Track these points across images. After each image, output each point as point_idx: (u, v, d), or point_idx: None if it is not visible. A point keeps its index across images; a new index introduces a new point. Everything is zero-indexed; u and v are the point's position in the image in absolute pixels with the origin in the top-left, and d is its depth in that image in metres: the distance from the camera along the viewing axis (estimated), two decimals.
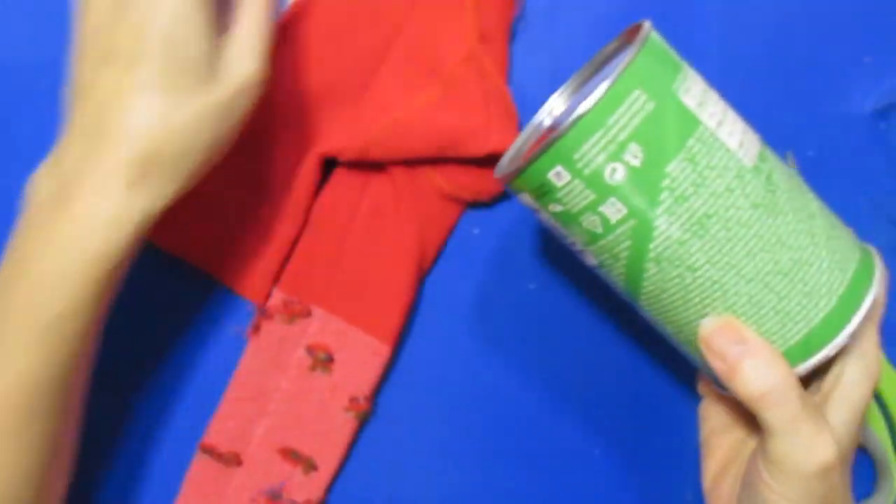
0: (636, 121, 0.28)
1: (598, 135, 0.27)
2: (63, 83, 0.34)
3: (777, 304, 0.29)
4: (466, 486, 0.43)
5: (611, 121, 0.27)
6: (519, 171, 0.29)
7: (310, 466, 0.40)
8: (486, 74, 0.39)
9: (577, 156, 0.28)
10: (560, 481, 0.44)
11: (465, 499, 0.43)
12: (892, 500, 0.44)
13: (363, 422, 0.41)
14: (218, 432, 0.41)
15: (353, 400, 0.40)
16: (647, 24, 0.30)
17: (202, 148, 0.32)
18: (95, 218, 0.30)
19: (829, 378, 0.32)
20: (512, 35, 0.43)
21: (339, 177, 0.41)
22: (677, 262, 0.29)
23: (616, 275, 0.31)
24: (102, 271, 0.31)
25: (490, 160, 0.38)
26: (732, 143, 0.30)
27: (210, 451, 0.41)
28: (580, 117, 0.27)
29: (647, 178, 0.28)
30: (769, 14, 0.44)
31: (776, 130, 0.44)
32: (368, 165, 0.41)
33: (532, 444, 0.43)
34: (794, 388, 0.29)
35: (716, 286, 0.29)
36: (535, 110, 0.44)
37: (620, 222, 0.29)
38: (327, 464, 0.41)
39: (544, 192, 0.29)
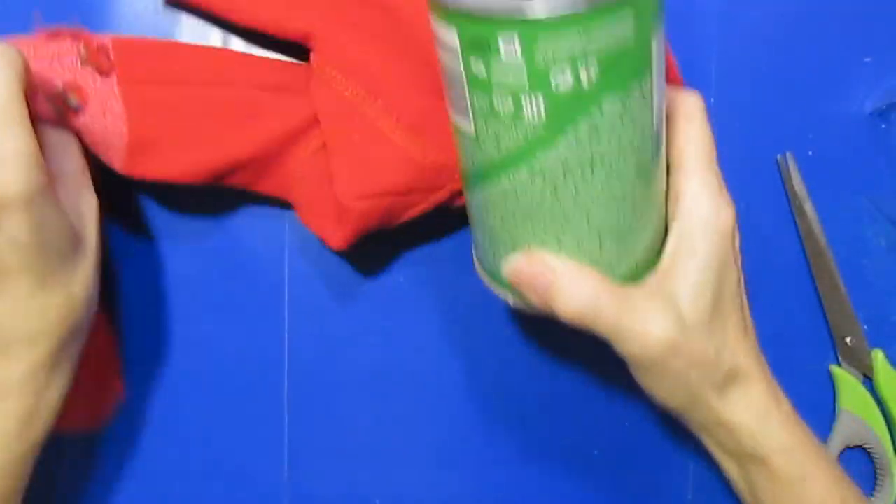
0: (611, 42, 0.26)
1: (575, 36, 0.26)
2: None
3: (599, 256, 0.30)
4: (465, 485, 0.43)
5: (594, 29, 0.26)
6: (466, 11, 0.26)
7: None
8: None
9: (541, 41, 0.26)
10: (560, 481, 0.44)
11: (464, 499, 0.43)
12: (893, 501, 0.44)
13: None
14: None
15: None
16: None
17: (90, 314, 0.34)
18: None
19: (668, 247, 0.32)
20: None
21: None
22: (549, 182, 0.29)
23: (482, 154, 0.30)
24: None
25: None
26: (656, 105, 0.29)
27: None
28: (570, 14, 0.25)
29: (581, 98, 0.27)
30: (769, 14, 0.44)
31: (776, 130, 0.44)
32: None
33: (531, 444, 0.43)
34: (605, 293, 0.29)
35: (562, 218, 0.29)
36: None
37: (529, 120, 0.27)
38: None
39: (478, 46, 0.27)
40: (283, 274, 0.43)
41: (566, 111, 0.27)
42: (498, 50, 0.26)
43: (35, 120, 0.31)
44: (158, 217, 0.43)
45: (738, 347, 0.32)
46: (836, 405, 0.44)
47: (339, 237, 0.39)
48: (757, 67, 0.44)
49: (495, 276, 0.33)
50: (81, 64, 0.35)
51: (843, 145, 0.44)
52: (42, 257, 0.30)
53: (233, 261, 0.42)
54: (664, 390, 0.32)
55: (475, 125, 0.29)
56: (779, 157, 0.44)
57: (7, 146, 0.28)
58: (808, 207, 0.44)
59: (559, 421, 0.43)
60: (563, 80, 0.26)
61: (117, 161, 0.37)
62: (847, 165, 0.44)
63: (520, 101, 0.27)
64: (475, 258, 0.36)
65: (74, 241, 0.32)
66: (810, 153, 0.44)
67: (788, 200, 0.44)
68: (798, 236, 0.44)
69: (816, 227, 0.44)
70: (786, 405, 0.34)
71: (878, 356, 0.44)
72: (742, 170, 0.44)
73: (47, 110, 0.34)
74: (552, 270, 0.30)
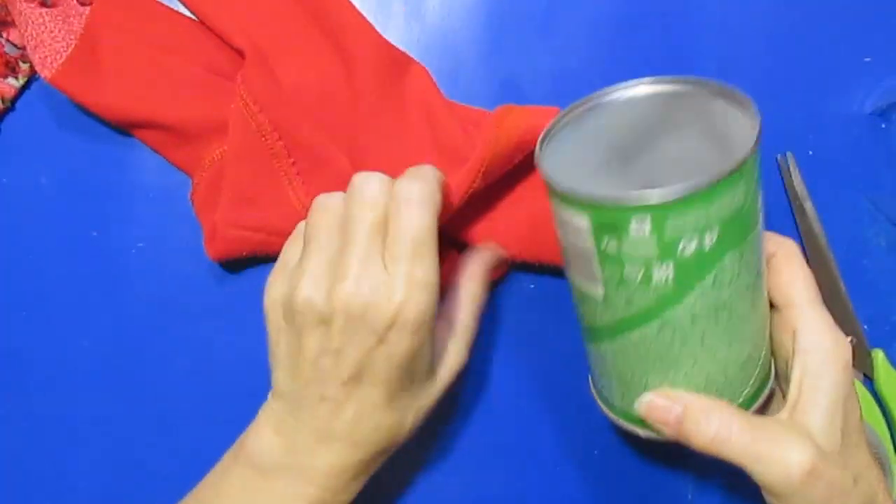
0: (729, 207, 0.28)
1: (699, 211, 0.28)
2: None
3: (724, 385, 0.32)
4: (465, 485, 0.43)
5: (715, 201, 0.28)
6: (600, 201, 0.28)
7: None
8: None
9: (670, 220, 0.28)
10: (560, 481, 0.44)
11: (463, 499, 0.43)
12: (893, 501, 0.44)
13: None
14: None
15: None
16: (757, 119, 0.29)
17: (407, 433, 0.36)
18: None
19: (793, 382, 0.33)
20: (512, 36, 0.44)
21: None
22: (678, 332, 0.31)
23: (611, 313, 0.31)
24: None
25: None
26: (761, 248, 0.32)
27: None
28: (694, 192, 0.27)
29: (707, 259, 0.29)
30: (769, 14, 0.44)
31: (776, 130, 0.44)
32: None
33: (531, 444, 0.43)
34: (736, 422, 0.31)
35: (691, 359, 0.31)
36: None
37: (659, 284, 0.29)
38: None
39: (610, 228, 0.29)
40: None
41: (693, 271, 0.29)
42: (629, 230, 0.28)
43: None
44: (158, 217, 0.43)
45: (872, 475, 0.32)
46: None
47: (211, 251, 0.40)
48: (757, 67, 0.44)
49: (625, 413, 0.35)
50: None
51: (843, 145, 0.44)
52: (402, 380, 0.33)
53: (233, 260, 0.42)
54: None
55: (605, 290, 0.31)
56: (779, 157, 0.44)
57: (419, 274, 0.31)
58: (808, 207, 0.44)
59: (560, 421, 0.43)
60: (689, 247, 0.28)
61: (49, 66, 0.38)
62: (847, 165, 0.44)
63: (650, 269, 0.29)
64: (596, 395, 0.37)
65: (430, 374, 0.35)
66: (810, 153, 0.44)
67: (788, 200, 0.44)
68: (798, 236, 0.44)
69: (816, 227, 0.44)
70: None
71: (878, 356, 0.44)
72: None
73: None
74: (683, 404, 0.32)
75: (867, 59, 0.45)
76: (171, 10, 0.41)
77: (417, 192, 0.32)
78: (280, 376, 0.35)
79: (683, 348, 0.31)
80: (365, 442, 0.34)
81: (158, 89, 0.40)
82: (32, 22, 0.38)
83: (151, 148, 0.42)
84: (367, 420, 0.34)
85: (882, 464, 0.44)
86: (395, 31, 0.43)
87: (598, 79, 0.44)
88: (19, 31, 0.39)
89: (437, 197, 0.33)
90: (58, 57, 0.38)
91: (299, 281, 0.32)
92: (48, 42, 0.38)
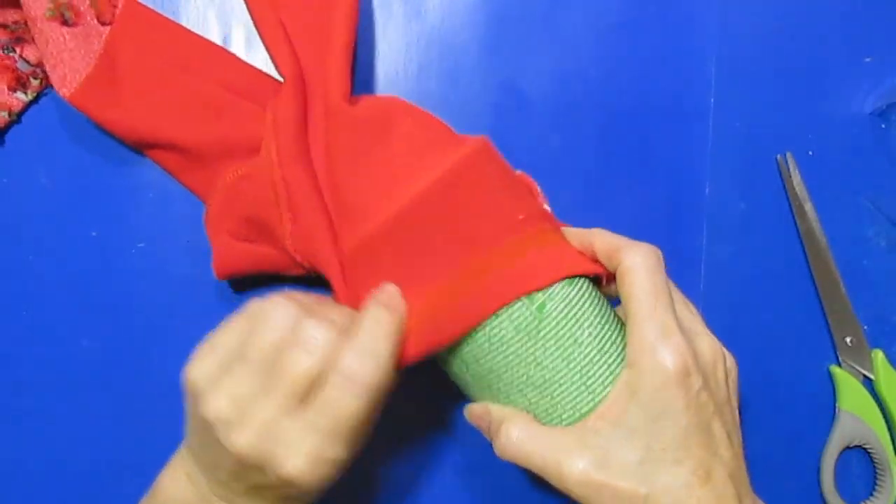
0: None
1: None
2: None
3: (528, 406, 0.34)
4: (463, 486, 0.43)
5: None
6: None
7: None
8: None
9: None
10: None
11: (463, 498, 0.43)
12: (893, 501, 0.44)
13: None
14: None
15: None
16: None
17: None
18: None
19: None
20: (512, 36, 0.44)
21: None
22: (482, 371, 0.35)
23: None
24: None
25: None
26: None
27: None
28: None
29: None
30: (769, 14, 0.44)
31: (776, 130, 0.44)
32: None
33: None
34: (533, 435, 0.32)
35: (494, 386, 0.35)
36: (534, 111, 0.44)
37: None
38: None
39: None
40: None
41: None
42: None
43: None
44: (159, 217, 0.43)
45: (689, 495, 0.31)
46: (836, 405, 0.44)
47: (216, 267, 0.40)
48: (757, 67, 0.44)
49: None
50: (90, 4, 0.38)
51: (843, 145, 0.44)
52: (332, 438, 0.31)
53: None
54: None
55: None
56: (779, 157, 0.44)
57: (328, 453, 0.31)
58: (808, 207, 0.44)
59: None
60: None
61: (68, 85, 0.38)
62: (847, 165, 0.44)
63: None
64: None
65: (357, 444, 0.33)
66: (810, 153, 0.44)
67: (788, 200, 0.44)
68: (798, 236, 0.44)
69: (816, 227, 0.44)
70: None
71: (878, 356, 0.44)
72: (742, 170, 0.44)
73: (40, 7, 0.37)
74: (491, 417, 0.34)
75: (867, 59, 0.45)
76: (190, 31, 0.41)
77: (362, 374, 0.31)
78: (189, 436, 0.34)
79: (490, 381, 0.35)
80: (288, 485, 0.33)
81: (175, 110, 0.39)
82: (53, 40, 0.38)
83: (165, 170, 0.42)
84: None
85: (882, 464, 0.44)
86: (395, 31, 0.43)
87: (598, 79, 0.44)
88: (39, 48, 0.39)
89: (384, 370, 0.32)
90: (77, 76, 0.38)
91: (215, 392, 0.31)
92: (67, 60, 0.38)
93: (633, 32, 0.44)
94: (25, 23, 0.39)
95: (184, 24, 0.42)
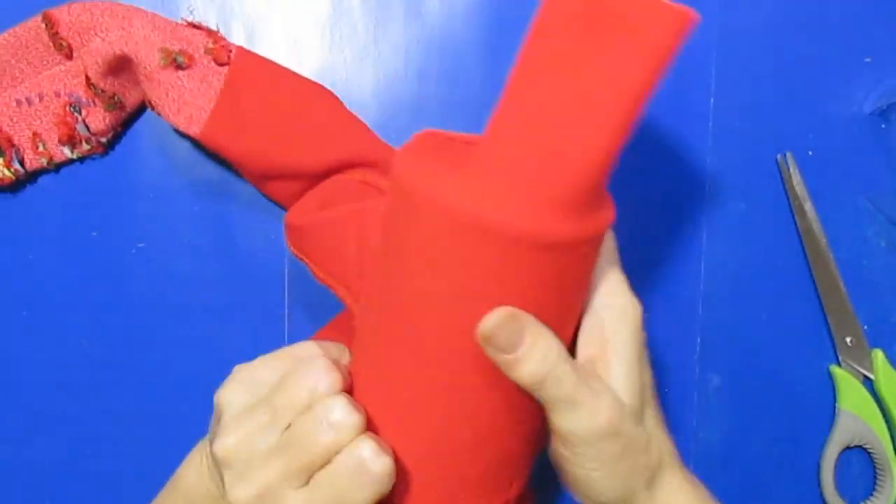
0: None
1: None
2: None
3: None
4: None
5: None
6: None
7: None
8: None
9: None
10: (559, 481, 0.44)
11: None
12: (893, 501, 0.44)
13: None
14: None
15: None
16: None
17: None
18: None
19: (586, 340, 0.31)
20: (512, 36, 0.44)
21: None
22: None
23: None
24: None
25: None
26: None
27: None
28: None
29: None
30: (769, 14, 0.44)
31: (776, 130, 0.44)
32: None
33: None
34: (567, 363, 0.29)
35: None
36: None
37: None
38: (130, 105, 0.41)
39: None
40: (283, 274, 0.43)
41: None
42: None
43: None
44: (159, 217, 0.43)
45: (661, 438, 0.32)
46: (836, 405, 0.44)
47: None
48: (757, 67, 0.44)
49: None
50: (204, 52, 0.40)
51: (843, 145, 0.44)
52: (246, 462, 0.30)
53: (233, 261, 0.42)
54: (598, 478, 0.31)
55: None
56: (779, 157, 0.44)
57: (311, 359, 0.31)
58: (808, 207, 0.44)
59: None
60: None
61: (197, 123, 0.39)
62: (847, 165, 0.44)
63: None
64: None
65: None
66: (810, 153, 0.44)
67: (788, 200, 0.44)
68: (798, 236, 0.44)
69: (816, 227, 0.44)
70: (703, 491, 0.33)
71: (878, 356, 0.44)
72: (742, 170, 0.44)
73: (153, 58, 0.39)
74: (532, 333, 0.29)
75: (867, 59, 0.45)
76: (297, 74, 0.42)
77: (375, 468, 0.29)
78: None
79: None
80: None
81: (296, 139, 0.40)
82: (172, 87, 0.39)
83: (280, 204, 0.42)
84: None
85: (882, 464, 0.44)
86: (395, 31, 0.43)
87: None
88: (154, 101, 0.40)
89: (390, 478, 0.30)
90: (202, 113, 0.39)
91: (234, 429, 0.31)
92: (190, 101, 0.39)
93: None
94: (104, 91, 0.40)
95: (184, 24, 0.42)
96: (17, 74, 0.41)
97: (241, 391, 0.32)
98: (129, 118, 0.42)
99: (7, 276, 0.43)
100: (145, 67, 0.39)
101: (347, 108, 0.42)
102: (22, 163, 0.41)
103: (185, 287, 0.43)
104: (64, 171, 0.42)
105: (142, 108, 0.43)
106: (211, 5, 0.43)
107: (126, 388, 0.43)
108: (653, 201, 0.44)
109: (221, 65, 0.40)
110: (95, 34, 0.40)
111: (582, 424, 0.29)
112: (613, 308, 0.31)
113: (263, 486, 0.30)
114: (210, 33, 0.41)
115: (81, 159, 0.42)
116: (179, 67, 0.39)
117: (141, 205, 0.43)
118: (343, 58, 0.43)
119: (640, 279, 0.44)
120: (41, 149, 0.41)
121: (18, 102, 0.41)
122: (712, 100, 0.44)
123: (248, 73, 0.41)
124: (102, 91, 0.40)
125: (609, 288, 0.31)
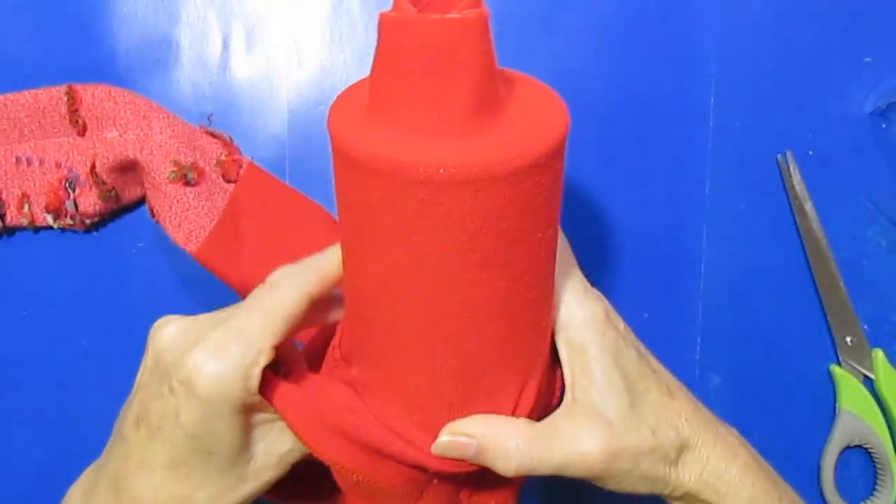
0: None
1: None
2: None
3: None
4: None
5: None
6: None
7: None
8: None
9: None
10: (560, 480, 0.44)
11: None
12: (893, 501, 0.44)
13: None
14: None
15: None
16: None
17: None
18: None
19: (564, 362, 0.32)
20: (512, 36, 0.44)
21: None
22: None
23: None
24: None
25: None
26: None
27: None
28: None
29: None
30: (769, 14, 0.44)
31: (776, 130, 0.44)
32: None
33: None
34: (530, 439, 0.30)
35: None
36: None
37: None
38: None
39: None
40: None
41: None
42: None
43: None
44: None
45: (672, 416, 0.32)
46: (836, 405, 0.44)
47: None
48: (757, 67, 0.44)
49: None
50: (216, 164, 0.40)
51: (843, 145, 0.44)
52: (193, 451, 0.30)
53: None
54: (629, 487, 0.32)
55: None
56: (779, 157, 0.44)
57: (255, 332, 0.30)
58: (808, 207, 0.44)
59: None
60: None
61: (195, 241, 0.40)
62: (847, 165, 0.44)
63: None
64: None
65: (232, 466, 0.31)
66: (810, 153, 0.44)
67: (788, 200, 0.44)
68: (798, 236, 0.44)
69: (816, 227, 0.44)
70: (743, 453, 0.33)
71: (878, 356, 0.44)
72: (742, 170, 0.44)
73: (164, 170, 0.39)
74: (474, 439, 0.30)
75: (867, 59, 0.44)
76: (298, 192, 0.42)
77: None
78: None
79: None
80: (147, 502, 0.31)
81: (291, 261, 0.40)
82: (178, 201, 0.39)
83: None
84: (148, 476, 0.31)
85: (882, 464, 0.44)
86: None
87: (598, 79, 0.44)
88: (158, 211, 0.40)
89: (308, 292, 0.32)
90: (202, 231, 0.40)
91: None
92: (192, 218, 0.39)
93: (633, 32, 0.44)
94: (104, 183, 0.40)
95: (184, 23, 0.42)
96: (26, 133, 0.41)
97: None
98: (119, 210, 0.42)
99: (7, 275, 0.43)
100: (154, 178, 0.39)
101: None
102: (3, 217, 0.41)
103: (185, 287, 0.43)
104: None
105: (135, 204, 0.43)
106: (211, 5, 0.42)
107: (126, 389, 0.43)
108: (653, 201, 0.44)
109: (229, 181, 0.41)
110: (114, 125, 0.40)
111: (580, 473, 0.31)
112: (577, 318, 0.31)
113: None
114: (225, 145, 0.41)
115: (62, 230, 0.42)
116: (188, 183, 0.39)
117: (141, 205, 0.43)
118: (343, 58, 0.43)
119: (641, 279, 0.44)
120: (25, 209, 0.41)
121: (18, 160, 0.41)
122: (712, 100, 0.44)
123: (252, 193, 0.41)
124: (103, 182, 0.40)
125: (569, 297, 0.32)
